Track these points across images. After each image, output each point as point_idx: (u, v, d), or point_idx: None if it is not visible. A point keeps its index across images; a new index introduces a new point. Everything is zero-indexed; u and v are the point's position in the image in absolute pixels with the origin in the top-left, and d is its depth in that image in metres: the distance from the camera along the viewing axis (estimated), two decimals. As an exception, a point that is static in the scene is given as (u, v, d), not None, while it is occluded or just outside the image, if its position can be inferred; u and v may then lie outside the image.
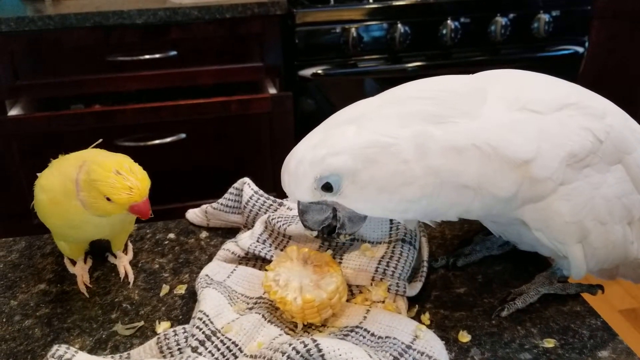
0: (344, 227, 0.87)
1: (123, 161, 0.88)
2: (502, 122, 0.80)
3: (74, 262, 1.03)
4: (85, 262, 1.03)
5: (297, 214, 0.87)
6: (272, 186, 2.40)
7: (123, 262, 1.03)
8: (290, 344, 0.72)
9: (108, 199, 0.86)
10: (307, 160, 0.79)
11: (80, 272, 1.00)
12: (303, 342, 0.73)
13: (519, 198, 0.82)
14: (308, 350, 0.72)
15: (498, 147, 0.79)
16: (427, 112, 0.79)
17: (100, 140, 1.03)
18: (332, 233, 0.88)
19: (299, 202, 0.85)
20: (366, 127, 0.79)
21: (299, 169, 0.80)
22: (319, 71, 2.41)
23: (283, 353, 0.72)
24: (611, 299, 2.63)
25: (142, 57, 2.29)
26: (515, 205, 0.84)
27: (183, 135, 2.35)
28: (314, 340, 0.72)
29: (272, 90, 2.43)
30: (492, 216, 0.91)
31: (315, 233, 0.88)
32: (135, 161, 0.90)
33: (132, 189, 0.85)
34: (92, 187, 0.86)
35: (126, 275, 1.01)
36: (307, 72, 2.41)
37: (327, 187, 0.80)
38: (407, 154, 0.78)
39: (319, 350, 0.72)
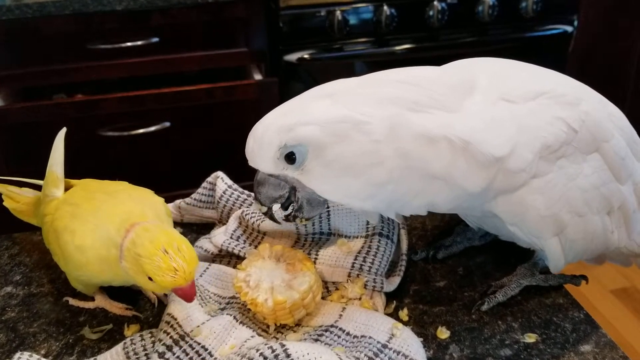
0: (301, 210, 0.83)
1: (173, 238, 0.78)
2: (481, 117, 0.78)
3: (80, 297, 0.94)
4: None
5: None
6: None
7: None
8: (257, 350, 0.70)
9: (150, 278, 0.78)
10: (275, 126, 0.77)
11: (107, 303, 0.92)
12: (271, 347, 0.70)
13: (491, 190, 0.80)
14: (276, 356, 0.69)
15: (471, 143, 0.76)
16: (406, 98, 0.77)
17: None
18: (288, 215, 0.84)
19: (257, 173, 0.81)
20: (341, 102, 0.76)
21: (265, 135, 0.77)
22: (305, 56, 2.36)
23: (250, 359, 0.69)
24: (602, 279, 2.62)
25: (123, 45, 2.23)
26: (487, 198, 0.81)
27: (167, 124, 2.30)
28: (282, 345, 0.70)
29: (258, 76, 2.38)
30: (463, 209, 0.88)
31: (264, 209, 0.83)
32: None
33: (177, 271, 0.76)
34: (136, 262, 0.78)
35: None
36: (293, 56, 2.36)
37: (291, 159, 0.77)
38: (379, 135, 0.75)
39: (287, 355, 0.69)
